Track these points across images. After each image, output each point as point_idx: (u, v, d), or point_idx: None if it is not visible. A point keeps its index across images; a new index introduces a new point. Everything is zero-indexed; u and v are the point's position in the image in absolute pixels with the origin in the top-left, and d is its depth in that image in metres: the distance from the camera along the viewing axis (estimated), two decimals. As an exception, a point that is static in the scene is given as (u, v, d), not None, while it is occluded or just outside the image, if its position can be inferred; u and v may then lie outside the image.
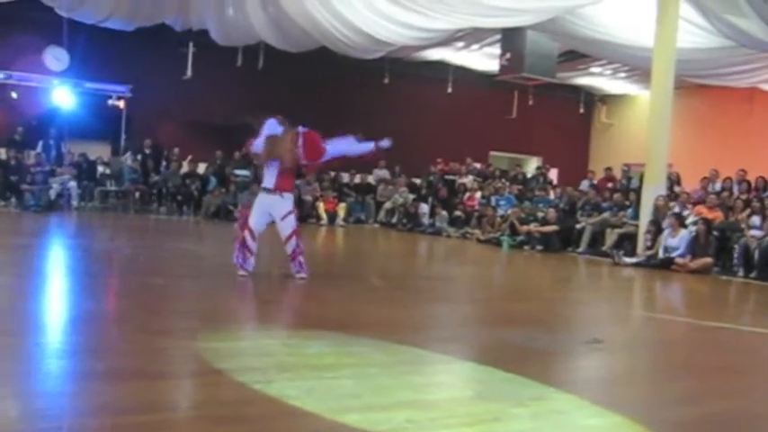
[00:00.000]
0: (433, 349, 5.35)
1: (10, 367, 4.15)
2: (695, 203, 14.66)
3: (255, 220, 8.06)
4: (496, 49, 18.55)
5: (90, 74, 17.94)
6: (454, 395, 4.36)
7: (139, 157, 18.90)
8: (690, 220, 13.71)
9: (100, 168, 18.59)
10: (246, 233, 8.00)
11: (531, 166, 23.86)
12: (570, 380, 4.91)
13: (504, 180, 19.99)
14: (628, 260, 13.41)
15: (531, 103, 24.19)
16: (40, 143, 17.79)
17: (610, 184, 18.07)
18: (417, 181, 21.34)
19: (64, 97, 17.78)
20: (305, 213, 18.63)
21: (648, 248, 13.48)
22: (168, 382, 4.16)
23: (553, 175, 22.61)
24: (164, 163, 19.26)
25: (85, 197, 17.75)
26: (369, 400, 3.96)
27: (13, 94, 18.19)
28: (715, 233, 13.20)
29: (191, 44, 19.93)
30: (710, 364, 5.72)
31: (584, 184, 18.81)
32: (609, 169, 19.50)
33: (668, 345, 6.51)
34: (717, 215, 13.84)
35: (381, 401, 3.98)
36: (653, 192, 14.06)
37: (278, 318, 6.73)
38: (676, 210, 13.99)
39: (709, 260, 12.69)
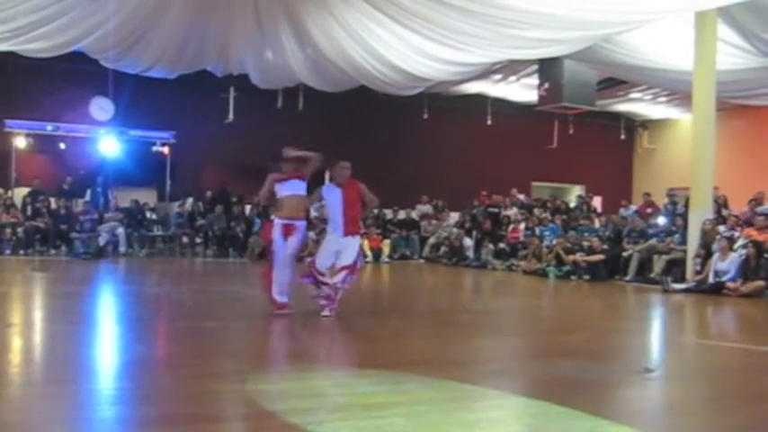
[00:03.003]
0: (484, 384, 5.30)
1: (65, 414, 4.21)
2: (743, 226, 14.41)
3: (322, 260, 8.37)
4: (534, 80, 18.56)
5: (134, 122, 18.33)
6: (507, 431, 4.31)
7: (193, 201, 19.21)
8: (739, 243, 13.47)
9: (147, 214, 18.90)
10: (315, 273, 8.32)
11: (574, 194, 23.69)
12: (624, 411, 4.82)
13: (544, 211, 19.86)
14: (677, 286, 13.21)
15: (571, 131, 24.07)
16: (89, 191, 18.17)
17: (649, 210, 17.86)
18: (456, 215, 21.26)
19: (110, 146, 18.15)
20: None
21: (698, 273, 13.27)
22: (221, 425, 4.18)
23: (597, 202, 22.43)
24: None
25: (133, 243, 18.01)
26: (420, 439, 3.94)
27: (62, 145, 18.62)
28: (766, 255, 12.93)
29: (231, 89, 20.26)
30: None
31: (622, 212, 18.65)
32: (648, 195, 19.28)
33: (723, 372, 6.37)
34: (767, 237, 13.58)
35: (433, 439, 3.95)
36: (699, 216, 13.87)
37: (326, 357, 6.73)
38: (725, 233, 13.76)
39: (761, 283, 12.43)
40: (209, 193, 19.69)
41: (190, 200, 19.32)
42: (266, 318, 8.33)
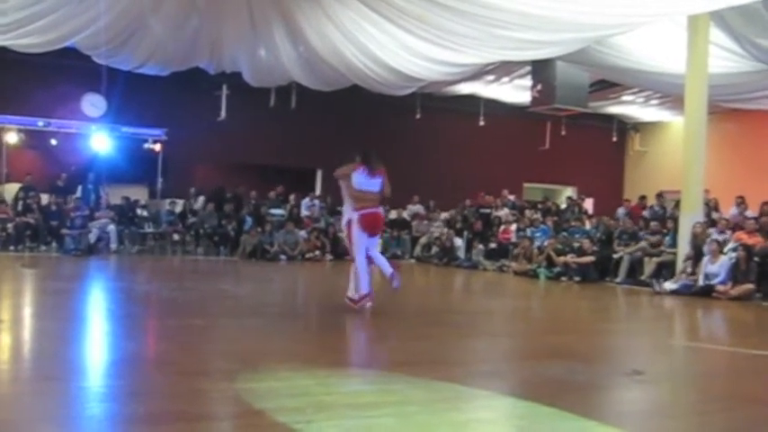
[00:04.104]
0: (473, 385, 5.31)
1: (55, 411, 4.19)
2: (734, 229, 14.46)
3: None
4: (527, 81, 18.60)
5: (126, 119, 18.26)
6: None
7: (199, 199, 19.28)
8: (729, 246, 13.51)
9: (138, 211, 18.85)
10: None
11: (565, 196, 23.74)
12: (613, 413, 4.84)
13: (535, 212, 19.89)
14: (668, 286, 13.24)
15: (563, 133, 24.12)
16: (80, 188, 18.11)
17: (645, 212, 17.91)
18: (446, 214, 21.27)
19: (102, 143, 18.09)
20: (341, 251, 18.71)
21: (690, 275, 13.29)
22: (209, 423, 4.17)
23: (588, 204, 22.47)
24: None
25: (124, 240, 17.97)
26: (409, 439, 3.94)
27: (53, 141, 18.56)
28: (756, 259, 12.98)
29: (224, 86, 20.24)
30: (756, 394, 5.60)
31: (621, 213, 18.68)
32: (643, 198, 19.34)
33: (711, 375, 6.39)
34: (757, 240, 13.63)
35: (422, 439, 3.95)
36: (690, 219, 13.91)
37: (315, 357, 6.71)
38: (715, 236, 13.80)
39: (750, 286, 12.48)
40: (196, 196, 19.63)
41: (201, 198, 19.32)
42: (256, 317, 8.32)
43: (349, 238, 8.69)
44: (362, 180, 8.55)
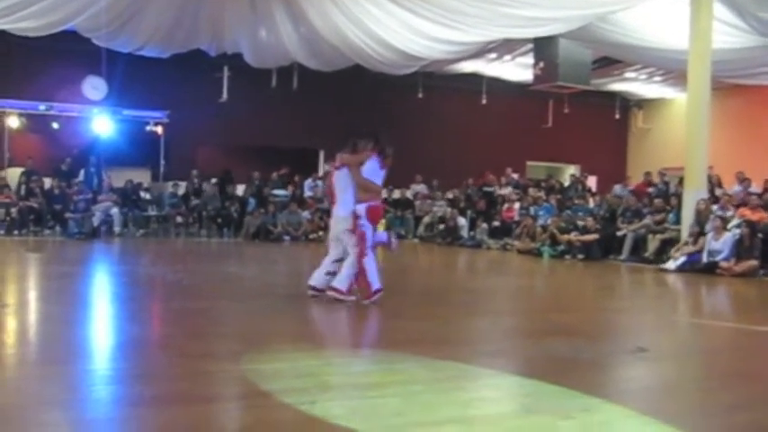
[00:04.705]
0: (478, 364, 5.33)
1: (60, 394, 4.22)
2: (738, 206, 14.44)
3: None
4: (529, 59, 18.50)
5: (128, 101, 18.20)
6: (501, 410, 4.33)
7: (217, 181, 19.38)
8: (733, 222, 13.50)
9: (141, 194, 18.84)
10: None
11: (569, 174, 23.70)
12: (617, 390, 4.85)
13: (539, 190, 19.86)
14: (671, 265, 13.23)
15: (566, 111, 24.02)
16: (82, 171, 18.10)
17: (650, 189, 17.88)
18: (449, 194, 21.25)
19: (103, 125, 18.04)
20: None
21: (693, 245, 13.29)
22: (215, 405, 4.19)
23: (592, 182, 22.43)
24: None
25: (127, 223, 17.98)
26: (415, 418, 3.95)
27: (55, 125, 18.53)
28: (760, 235, 12.97)
29: (225, 68, 20.17)
30: (760, 370, 5.62)
31: (617, 189, 18.65)
32: (648, 174, 19.29)
33: (716, 352, 6.40)
34: (761, 216, 13.61)
35: (428, 419, 3.97)
36: (694, 196, 13.89)
37: (320, 337, 6.75)
38: (718, 213, 13.78)
39: (754, 263, 12.48)
40: (206, 179, 19.61)
41: (213, 180, 19.32)
42: (260, 299, 8.34)
43: (354, 233, 7.83)
44: (374, 170, 7.93)
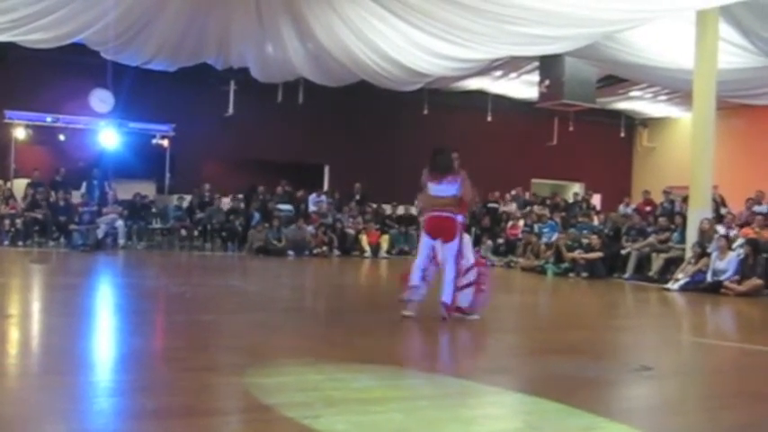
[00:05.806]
0: (481, 381, 5.31)
1: (63, 406, 4.20)
2: (741, 225, 14.42)
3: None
4: (535, 77, 18.55)
5: (134, 114, 18.28)
6: (504, 427, 4.31)
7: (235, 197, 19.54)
8: (737, 242, 13.47)
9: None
10: None
11: (572, 192, 23.68)
12: (621, 409, 4.82)
13: (543, 207, 19.85)
14: (674, 286, 13.19)
15: (571, 128, 24.03)
16: (84, 183, 18.13)
17: (648, 208, 17.87)
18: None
19: (109, 138, 18.08)
20: (348, 246, 18.73)
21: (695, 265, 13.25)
22: (218, 418, 4.18)
23: (596, 200, 22.42)
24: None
25: (132, 236, 18.00)
26: (417, 434, 3.94)
27: (61, 137, 18.60)
28: (764, 254, 12.94)
29: (232, 82, 20.25)
30: (764, 391, 5.59)
31: (622, 209, 18.66)
32: (647, 192, 19.28)
33: (720, 371, 6.37)
34: (765, 236, 13.58)
35: (430, 435, 3.95)
36: (698, 215, 13.88)
37: (323, 352, 6.72)
38: (722, 232, 13.76)
39: (758, 282, 12.44)
40: (206, 191, 19.63)
41: (240, 196, 19.43)
42: (264, 312, 8.32)
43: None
44: (431, 185, 8.26)
